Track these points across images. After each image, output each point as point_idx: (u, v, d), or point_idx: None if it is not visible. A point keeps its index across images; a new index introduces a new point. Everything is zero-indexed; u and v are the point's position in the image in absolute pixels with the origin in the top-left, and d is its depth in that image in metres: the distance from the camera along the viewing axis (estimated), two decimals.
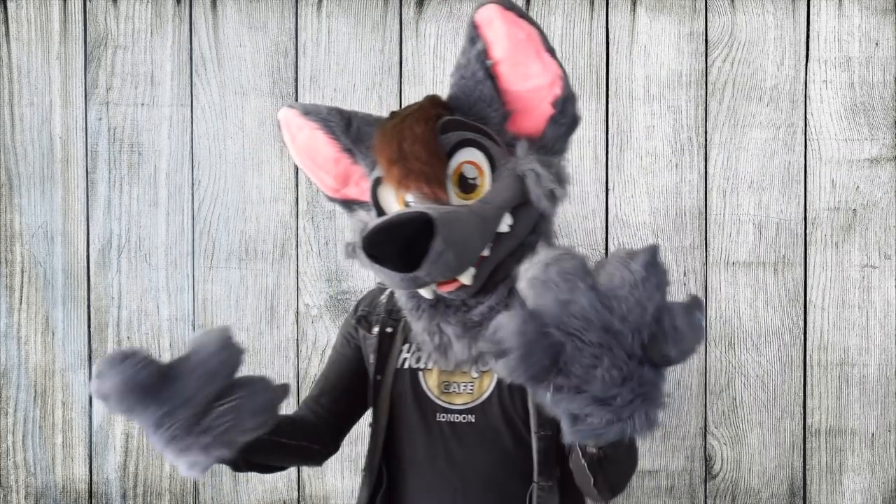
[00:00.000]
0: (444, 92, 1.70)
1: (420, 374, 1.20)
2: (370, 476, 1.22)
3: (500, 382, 1.19)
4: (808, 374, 1.73)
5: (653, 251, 0.85)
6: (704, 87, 1.72)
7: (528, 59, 1.17)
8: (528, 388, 0.87)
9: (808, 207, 1.73)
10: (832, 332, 1.72)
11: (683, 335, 0.84)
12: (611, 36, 1.72)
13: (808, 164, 1.73)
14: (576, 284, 0.83)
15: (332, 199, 1.27)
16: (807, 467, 1.73)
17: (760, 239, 1.72)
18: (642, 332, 0.83)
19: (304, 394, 1.70)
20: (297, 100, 1.72)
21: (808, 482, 1.73)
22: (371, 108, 1.71)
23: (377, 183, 1.14)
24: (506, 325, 0.83)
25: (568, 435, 0.88)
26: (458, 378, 1.19)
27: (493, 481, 1.18)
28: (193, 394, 0.98)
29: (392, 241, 1.04)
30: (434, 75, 1.71)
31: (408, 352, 1.22)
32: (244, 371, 1.30)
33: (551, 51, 1.18)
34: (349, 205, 1.26)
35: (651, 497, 1.73)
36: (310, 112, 1.21)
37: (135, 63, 1.72)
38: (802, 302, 1.73)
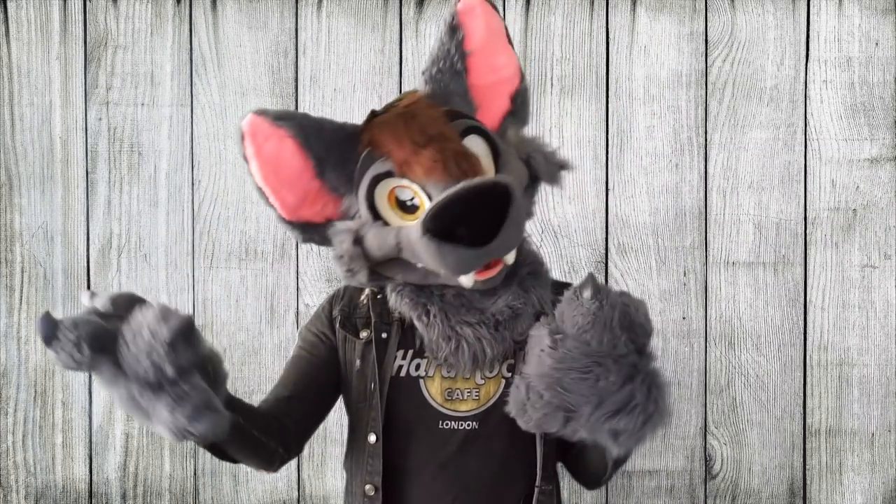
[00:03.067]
0: None
1: (421, 381, 1.17)
2: (380, 492, 1.16)
3: (507, 387, 1.14)
4: (808, 374, 1.73)
5: (592, 279, 0.99)
6: (704, 87, 1.72)
7: (497, 50, 1.18)
8: (560, 431, 1.01)
9: (808, 207, 1.73)
10: (832, 332, 1.72)
11: (644, 325, 1.01)
12: (611, 36, 1.72)
13: (808, 164, 1.73)
14: (544, 347, 1.00)
15: (286, 223, 1.15)
16: (807, 467, 1.73)
17: (760, 239, 1.72)
18: (617, 341, 0.98)
19: None
20: (296, 100, 1.72)
21: (808, 482, 1.73)
22: (371, 108, 1.71)
23: (376, 181, 1.10)
24: (514, 398, 1.01)
25: (615, 450, 1.02)
26: (461, 385, 1.16)
27: (493, 487, 1.17)
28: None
29: (479, 210, 1.00)
30: None
31: (403, 358, 1.17)
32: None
33: (511, 42, 1.20)
34: (305, 228, 1.16)
35: (651, 497, 1.73)
36: (282, 118, 1.10)
37: (135, 63, 1.72)
38: (802, 302, 1.73)
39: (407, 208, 1.10)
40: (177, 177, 1.73)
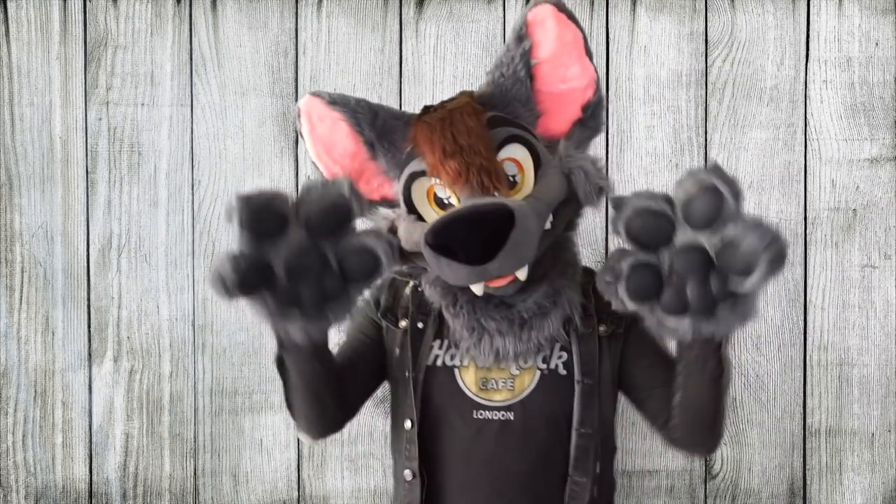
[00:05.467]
0: (444, 91, 1.70)
1: (456, 371, 1.19)
2: (418, 477, 1.19)
3: (542, 379, 1.18)
4: (808, 374, 1.73)
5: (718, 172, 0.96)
6: (704, 87, 1.72)
7: (569, 61, 1.19)
8: (652, 313, 0.99)
9: (808, 207, 1.73)
10: (832, 332, 1.72)
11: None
12: (611, 36, 1.72)
13: (808, 164, 1.73)
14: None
15: None
16: (807, 467, 1.73)
17: None
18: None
19: None
20: (296, 99, 1.72)
21: (808, 482, 1.73)
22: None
23: (412, 178, 1.12)
24: (618, 256, 0.99)
25: (722, 326, 0.97)
26: (496, 374, 1.18)
27: (529, 478, 1.18)
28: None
29: (475, 233, 1.03)
30: (434, 75, 1.72)
31: (440, 348, 1.20)
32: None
33: (590, 54, 1.20)
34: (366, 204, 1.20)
35: (651, 497, 1.73)
36: (337, 102, 1.17)
37: (135, 63, 1.72)
38: (802, 302, 1.73)
39: (444, 205, 1.13)
40: (177, 177, 1.73)
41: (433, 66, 1.72)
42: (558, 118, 1.21)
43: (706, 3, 1.72)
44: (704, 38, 1.73)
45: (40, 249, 1.73)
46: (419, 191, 1.13)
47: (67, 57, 1.72)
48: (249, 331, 1.73)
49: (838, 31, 1.72)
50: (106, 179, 1.73)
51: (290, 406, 1.21)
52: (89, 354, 1.73)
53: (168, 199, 1.73)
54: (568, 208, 1.17)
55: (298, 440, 1.72)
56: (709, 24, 1.72)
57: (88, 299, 1.73)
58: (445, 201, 1.12)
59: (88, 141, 1.73)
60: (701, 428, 1.18)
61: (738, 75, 1.72)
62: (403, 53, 1.72)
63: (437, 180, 1.11)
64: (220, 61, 1.72)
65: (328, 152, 1.18)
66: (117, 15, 1.72)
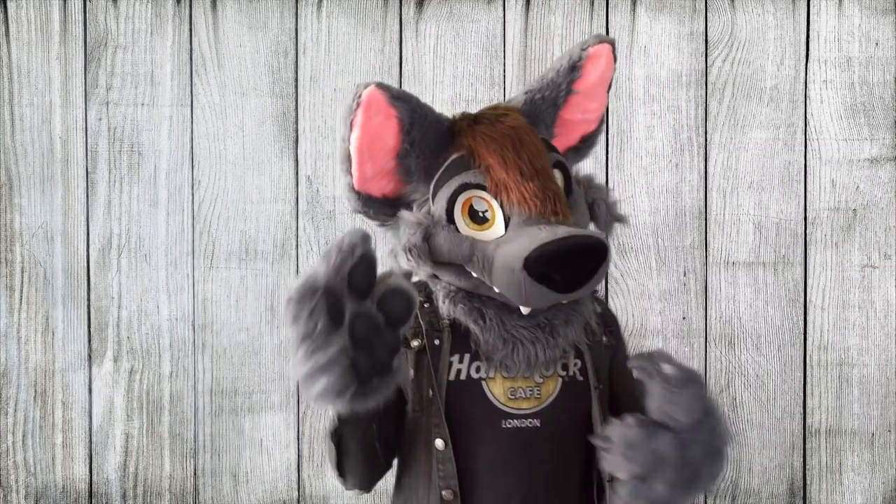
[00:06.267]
0: (444, 91, 1.70)
1: (484, 383, 1.17)
2: (459, 497, 1.17)
3: (566, 385, 1.18)
4: (808, 374, 1.73)
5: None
6: (704, 87, 1.72)
7: (595, 97, 1.22)
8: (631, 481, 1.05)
9: (808, 207, 1.73)
10: (832, 332, 1.72)
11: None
12: (611, 36, 1.72)
13: (808, 164, 1.73)
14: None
15: (352, 191, 1.16)
16: (807, 467, 1.73)
17: (760, 239, 1.72)
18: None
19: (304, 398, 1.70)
20: (296, 100, 1.72)
21: (808, 482, 1.73)
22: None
23: (463, 188, 1.11)
24: (617, 431, 1.05)
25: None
26: (522, 384, 1.17)
27: (558, 484, 1.18)
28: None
29: (582, 264, 1.04)
30: (434, 75, 1.72)
31: (460, 362, 1.18)
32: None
33: (608, 91, 1.24)
34: (366, 200, 1.17)
35: None
36: (400, 98, 1.10)
37: (135, 63, 1.72)
38: (802, 302, 1.73)
39: (478, 218, 1.12)
40: (177, 177, 1.73)
41: (433, 66, 1.72)
42: (560, 143, 1.24)
43: (706, 3, 1.72)
44: (704, 38, 1.73)
45: (40, 249, 1.73)
46: (459, 201, 1.12)
47: (67, 57, 1.72)
48: (249, 331, 1.73)
49: (838, 31, 1.72)
50: (106, 179, 1.73)
51: (341, 471, 1.24)
52: (89, 354, 1.73)
53: (168, 199, 1.73)
54: None
55: (298, 440, 1.72)
56: (709, 24, 1.72)
57: (88, 299, 1.73)
58: (481, 215, 1.11)
59: (88, 141, 1.73)
60: None
61: (738, 75, 1.72)
62: (403, 53, 1.72)
63: (493, 197, 1.10)
64: (220, 61, 1.72)
65: (369, 146, 1.12)
66: (117, 15, 1.72)
